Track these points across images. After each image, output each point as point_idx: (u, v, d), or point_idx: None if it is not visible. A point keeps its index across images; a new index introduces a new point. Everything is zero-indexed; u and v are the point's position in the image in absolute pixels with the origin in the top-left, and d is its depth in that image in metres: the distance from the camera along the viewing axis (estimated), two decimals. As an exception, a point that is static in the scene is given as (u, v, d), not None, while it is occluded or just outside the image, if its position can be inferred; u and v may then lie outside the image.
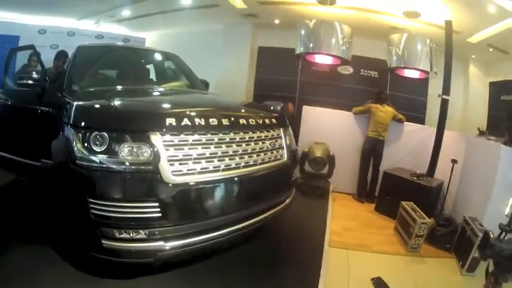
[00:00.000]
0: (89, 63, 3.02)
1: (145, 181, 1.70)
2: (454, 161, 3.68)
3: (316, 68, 6.40)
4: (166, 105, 2.26)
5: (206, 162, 1.82)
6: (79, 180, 1.70)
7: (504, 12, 3.92)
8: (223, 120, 1.94)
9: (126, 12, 6.66)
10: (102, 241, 1.68)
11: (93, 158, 1.67)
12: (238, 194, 1.96)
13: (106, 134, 1.69)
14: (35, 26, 5.42)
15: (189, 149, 1.79)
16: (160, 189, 1.68)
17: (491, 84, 6.49)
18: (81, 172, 1.67)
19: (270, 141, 2.18)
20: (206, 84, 3.66)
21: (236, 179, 1.92)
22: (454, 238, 3.14)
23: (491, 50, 5.49)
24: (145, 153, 1.70)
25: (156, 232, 1.70)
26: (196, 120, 1.84)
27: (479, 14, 4.08)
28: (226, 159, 1.90)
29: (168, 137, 1.75)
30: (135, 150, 1.70)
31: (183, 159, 1.76)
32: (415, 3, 4.37)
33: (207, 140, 1.85)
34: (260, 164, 2.08)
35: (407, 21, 4.86)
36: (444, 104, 3.93)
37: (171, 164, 1.72)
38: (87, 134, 1.70)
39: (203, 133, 1.85)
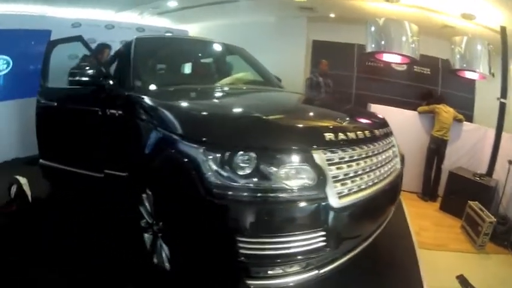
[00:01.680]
0: (152, 57, 2.76)
1: (311, 209, 1.39)
2: (510, 162, 3.83)
3: (372, 64, 6.35)
4: (314, 116, 2.07)
5: (360, 179, 1.59)
6: (221, 215, 1.35)
7: None
8: (366, 132, 1.72)
9: (172, 3, 6.40)
10: (248, 282, 1.39)
11: (239, 185, 1.33)
12: (382, 208, 1.84)
13: (255, 155, 1.36)
14: (68, 19, 4.91)
15: (348, 166, 1.54)
16: (328, 215, 1.41)
17: None
18: (224, 204, 1.34)
19: (393, 150, 2.01)
20: (279, 80, 3.29)
21: (381, 192, 1.70)
22: (510, 236, 3.39)
23: None
24: (310, 175, 1.40)
25: (315, 262, 1.45)
26: (349, 134, 1.61)
27: None
28: (372, 174, 1.69)
29: (329, 154, 1.48)
30: (295, 172, 1.39)
31: (344, 178, 1.51)
32: (471, 6, 4.43)
33: (358, 155, 1.61)
34: (391, 173, 1.89)
35: (461, 21, 4.91)
36: (502, 107, 4.09)
37: (335, 186, 1.45)
38: (228, 155, 1.36)
39: (354, 148, 1.61)
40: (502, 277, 2.88)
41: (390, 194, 1.88)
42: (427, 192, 4.52)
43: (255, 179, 1.34)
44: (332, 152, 1.50)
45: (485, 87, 5.50)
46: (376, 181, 1.69)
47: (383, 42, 4.24)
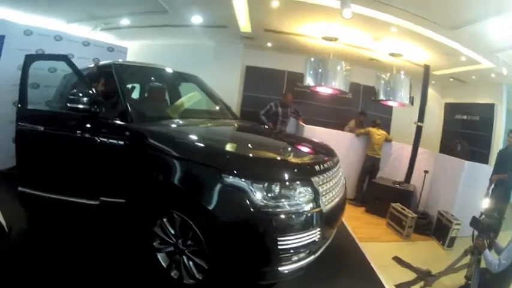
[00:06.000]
0: (136, 85, 3.22)
1: (314, 214, 2.04)
2: (426, 172, 4.98)
3: (299, 89, 7.08)
4: (304, 153, 2.72)
5: (329, 194, 2.28)
6: (267, 223, 1.89)
7: (471, 61, 5.14)
8: (329, 162, 2.44)
9: (125, 21, 6.29)
10: (281, 268, 1.96)
11: (272, 204, 1.91)
12: (340, 211, 2.55)
13: (279, 184, 1.96)
14: (20, 25, 4.60)
15: (324, 186, 2.23)
16: (322, 218, 2.08)
17: (447, 104, 7.95)
18: (268, 218, 1.89)
19: (341, 171, 2.74)
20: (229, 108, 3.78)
21: (339, 201, 2.44)
22: (432, 226, 4.49)
23: (451, 80, 6.79)
24: (312, 193, 2.06)
25: (313, 249, 2.09)
26: (324, 164, 2.32)
27: (450, 57, 5.26)
28: (334, 190, 2.38)
29: (317, 179, 2.15)
30: (303, 193, 2.02)
31: (324, 194, 2.18)
32: (399, 46, 5.38)
33: (328, 179, 2.31)
34: (342, 189, 2.62)
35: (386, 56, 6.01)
36: (419, 129, 5.21)
37: (323, 199, 2.13)
38: (266, 185, 1.92)
39: (326, 173, 2.30)
40: (427, 255, 3.85)
41: (343, 202, 2.65)
42: (358, 198, 5.47)
43: (281, 199, 1.95)
44: (319, 177, 2.18)
45: (401, 110, 6.67)
46: (336, 195, 2.42)
47: (321, 79, 4.90)
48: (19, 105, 2.96)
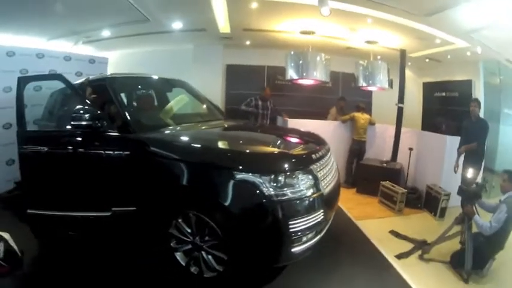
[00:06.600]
0: (130, 96, 3.34)
1: (317, 198, 2.27)
2: (410, 149, 5.28)
3: (280, 82, 7.34)
4: (301, 144, 2.93)
5: (326, 179, 2.52)
6: (278, 210, 2.09)
7: (445, 42, 5.37)
8: (323, 150, 2.71)
9: (106, 33, 6.28)
10: (293, 249, 2.18)
11: (280, 192, 2.12)
12: (337, 194, 2.84)
13: (284, 174, 2.16)
14: (2, 47, 4.64)
15: (321, 172, 2.47)
16: (323, 200, 2.32)
17: (425, 84, 8.23)
18: (279, 205, 2.10)
19: (332, 159, 3.01)
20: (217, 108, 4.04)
21: (335, 185, 2.71)
22: (422, 199, 4.79)
23: (427, 60, 7.03)
24: (313, 180, 2.29)
25: (318, 229, 2.31)
26: (318, 153, 2.55)
27: (425, 41, 5.49)
28: (329, 175, 2.63)
29: (315, 166, 2.38)
30: (305, 180, 2.25)
31: (322, 179, 2.42)
32: (375, 34, 5.56)
33: (323, 165, 2.55)
34: (335, 173, 2.89)
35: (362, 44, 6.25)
36: (400, 110, 5.52)
37: (322, 183, 2.37)
38: (273, 177, 2.13)
39: (321, 160, 2.54)
40: (421, 227, 4.09)
41: (338, 185, 2.94)
42: (349, 181, 5.73)
43: (286, 188, 2.15)
44: (316, 165, 2.42)
45: (380, 93, 6.86)
46: (332, 179, 2.67)
47: (302, 72, 5.05)
48: (19, 129, 3.00)
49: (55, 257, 2.85)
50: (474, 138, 4.12)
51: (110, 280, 2.52)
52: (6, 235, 2.70)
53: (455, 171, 4.30)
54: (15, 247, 2.68)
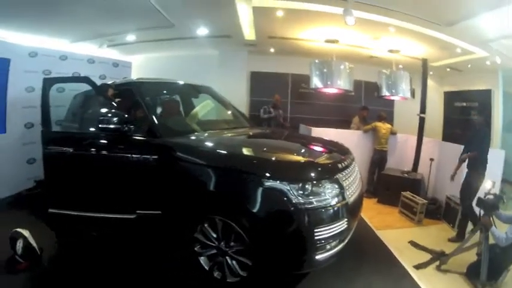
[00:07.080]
0: (155, 101, 3.29)
1: (342, 207, 2.31)
2: (431, 160, 5.26)
3: (303, 90, 7.45)
4: (328, 154, 2.89)
5: (351, 189, 2.54)
6: (304, 217, 2.14)
7: (466, 51, 5.44)
8: (348, 159, 2.77)
9: (130, 37, 6.50)
10: (317, 257, 2.21)
11: (307, 200, 2.16)
12: (360, 204, 2.82)
13: (311, 183, 2.20)
14: (25, 47, 4.65)
15: (347, 181, 2.49)
16: (348, 209, 2.35)
17: (446, 93, 8.21)
18: (305, 213, 2.14)
19: (357, 168, 3.02)
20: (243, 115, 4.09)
21: (358, 195, 2.72)
22: (441, 210, 4.76)
23: (448, 69, 7.05)
24: (338, 188, 2.31)
25: (342, 237, 2.34)
26: (343, 162, 2.60)
27: (446, 50, 5.55)
28: (353, 185, 2.64)
29: (341, 175, 2.42)
30: (331, 188, 2.28)
31: (347, 188, 2.44)
32: (398, 43, 5.67)
33: (348, 174, 2.58)
34: (359, 184, 2.89)
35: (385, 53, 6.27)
36: (422, 120, 5.48)
37: (347, 192, 2.40)
38: (300, 185, 2.17)
39: (346, 170, 2.56)
40: (439, 237, 4.07)
41: (361, 195, 2.94)
42: (370, 190, 5.67)
43: (313, 196, 2.19)
44: (342, 174, 2.46)
45: (402, 102, 6.92)
46: (356, 188, 2.70)
47: (328, 80, 5.13)
48: (44, 129, 3.04)
49: (75, 257, 2.90)
50: (476, 147, 4.06)
51: (130, 283, 2.56)
52: (26, 232, 2.76)
53: (452, 179, 4.20)
54: (34, 244, 2.75)
